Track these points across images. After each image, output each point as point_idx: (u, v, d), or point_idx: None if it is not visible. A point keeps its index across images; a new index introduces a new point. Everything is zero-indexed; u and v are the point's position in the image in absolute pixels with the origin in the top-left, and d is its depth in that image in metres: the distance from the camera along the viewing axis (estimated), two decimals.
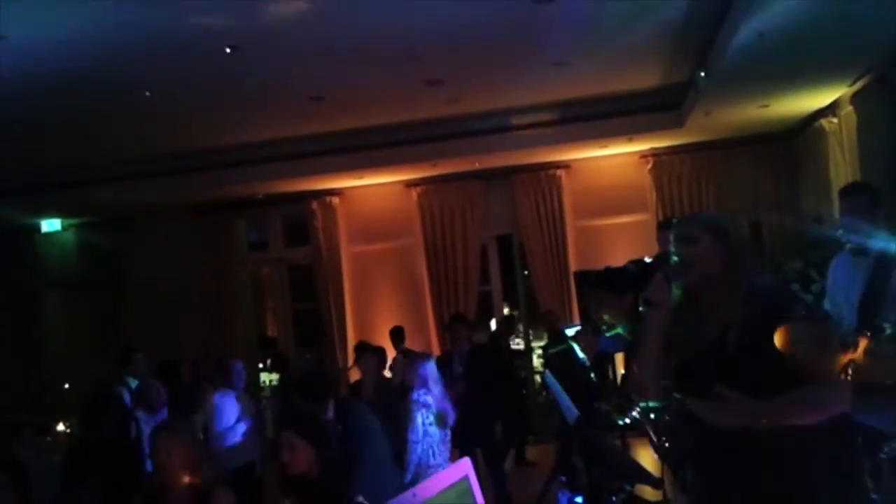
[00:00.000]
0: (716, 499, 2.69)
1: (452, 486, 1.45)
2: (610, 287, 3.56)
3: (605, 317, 3.42)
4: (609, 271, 3.99)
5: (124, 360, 7.46)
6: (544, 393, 10.19)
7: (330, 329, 10.71)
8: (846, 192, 4.53)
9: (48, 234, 11.21)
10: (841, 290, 4.26)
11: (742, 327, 2.57)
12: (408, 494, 1.34)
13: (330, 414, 4.55)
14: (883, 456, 3.55)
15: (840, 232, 4.40)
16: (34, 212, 10.67)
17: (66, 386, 9.93)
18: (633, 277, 3.39)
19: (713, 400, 2.52)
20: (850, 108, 7.64)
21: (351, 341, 10.41)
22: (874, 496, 3.94)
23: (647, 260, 4.64)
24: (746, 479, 2.55)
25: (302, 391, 4.68)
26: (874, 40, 6.22)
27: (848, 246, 4.38)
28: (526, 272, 10.89)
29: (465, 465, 1.51)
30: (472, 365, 7.28)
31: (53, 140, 8.20)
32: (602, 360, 7.13)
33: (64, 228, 11.23)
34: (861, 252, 4.19)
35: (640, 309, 3.29)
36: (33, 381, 10.58)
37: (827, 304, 4.46)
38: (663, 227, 6.24)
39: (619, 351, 6.02)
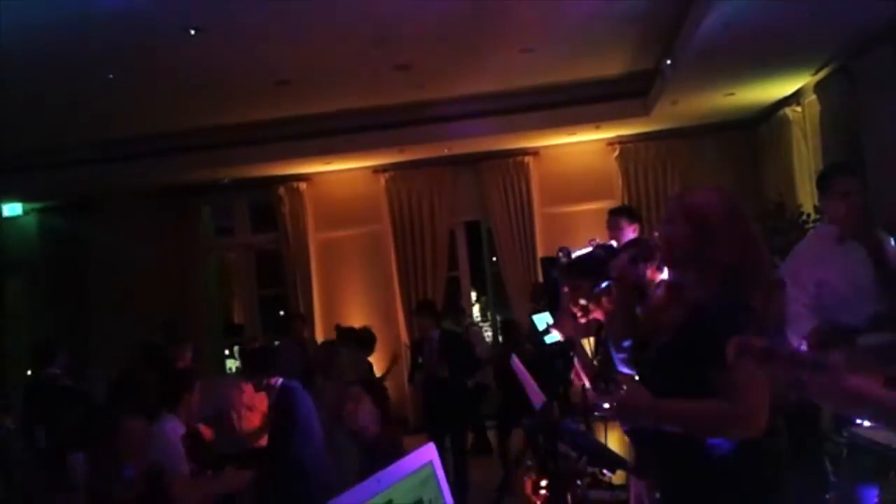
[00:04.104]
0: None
1: (416, 471, 1.45)
2: (582, 275, 3.56)
3: (581, 302, 3.43)
4: (580, 259, 3.98)
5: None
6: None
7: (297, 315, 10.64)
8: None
9: (9, 219, 11.00)
10: (849, 278, 3.97)
11: (693, 317, 2.43)
12: (372, 480, 1.34)
13: None
14: (842, 440, 3.62)
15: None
16: None
17: (29, 373, 9.76)
18: (602, 262, 3.41)
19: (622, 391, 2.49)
20: (813, 97, 7.74)
21: (318, 328, 10.38)
22: (832, 479, 4.03)
23: (614, 244, 4.66)
24: (686, 493, 2.49)
25: None
26: (837, 30, 6.31)
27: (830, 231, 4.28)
28: (494, 258, 10.92)
29: (430, 451, 1.51)
30: (447, 350, 7.33)
31: (14, 122, 8.04)
32: (568, 347, 7.17)
33: (25, 213, 11.03)
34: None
35: (603, 285, 3.30)
36: None
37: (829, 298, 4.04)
38: (614, 213, 6.29)
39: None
